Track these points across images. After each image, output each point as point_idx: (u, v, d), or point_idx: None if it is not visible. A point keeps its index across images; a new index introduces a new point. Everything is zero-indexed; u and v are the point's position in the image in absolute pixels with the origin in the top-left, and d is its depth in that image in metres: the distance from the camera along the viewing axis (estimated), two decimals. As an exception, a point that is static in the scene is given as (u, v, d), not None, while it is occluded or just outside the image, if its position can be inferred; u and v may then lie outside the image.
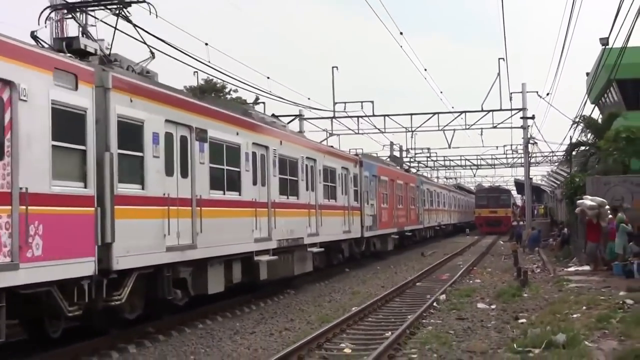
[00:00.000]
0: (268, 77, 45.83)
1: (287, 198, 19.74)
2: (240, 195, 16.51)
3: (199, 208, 14.17)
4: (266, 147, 18.19)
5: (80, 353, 11.41)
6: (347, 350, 11.98)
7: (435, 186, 56.50)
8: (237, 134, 16.38)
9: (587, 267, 23.67)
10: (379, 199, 32.09)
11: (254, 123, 18.01)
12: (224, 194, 15.66)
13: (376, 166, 33.13)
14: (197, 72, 29.88)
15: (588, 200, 23.69)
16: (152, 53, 14.60)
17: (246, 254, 16.70)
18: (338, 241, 25.53)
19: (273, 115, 28.00)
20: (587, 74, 41.51)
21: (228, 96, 40.64)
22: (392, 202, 35.21)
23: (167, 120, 13.34)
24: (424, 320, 15.01)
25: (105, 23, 13.98)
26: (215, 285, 15.20)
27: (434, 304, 17.38)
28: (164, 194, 13.06)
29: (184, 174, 13.94)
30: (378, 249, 32.47)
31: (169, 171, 13.38)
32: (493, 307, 16.95)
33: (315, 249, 22.01)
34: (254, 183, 17.35)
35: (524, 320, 14.46)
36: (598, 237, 23.35)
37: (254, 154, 17.37)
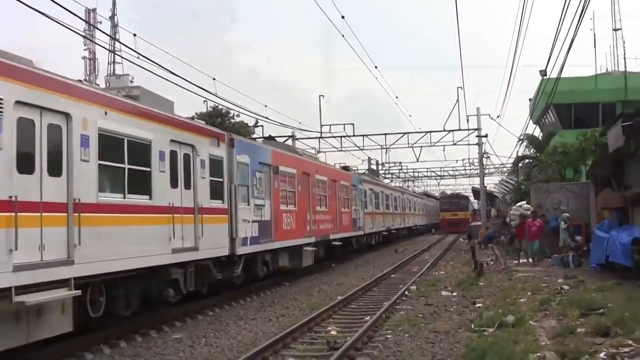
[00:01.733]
0: (266, 106, 46.59)
1: None
2: None
3: None
4: None
5: (109, 336, 11.33)
6: (334, 332, 11.96)
7: (383, 187, 42.50)
8: None
9: (524, 260, 23.93)
10: (276, 198, 19.06)
11: None
12: None
13: (269, 151, 19.44)
14: (206, 101, 30.16)
15: (522, 208, 24.58)
16: None
17: None
18: (161, 268, 12.40)
19: (270, 136, 27.92)
20: (530, 99, 41.94)
21: (232, 120, 40.82)
22: (305, 203, 22.10)
23: None
24: (397, 306, 15.00)
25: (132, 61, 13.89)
26: None
27: (406, 292, 17.39)
28: None
29: None
30: (280, 267, 19.64)
31: None
32: (454, 294, 16.98)
33: (48, 297, 8.88)
34: None
35: (480, 305, 14.50)
36: (524, 235, 24.06)
37: None
